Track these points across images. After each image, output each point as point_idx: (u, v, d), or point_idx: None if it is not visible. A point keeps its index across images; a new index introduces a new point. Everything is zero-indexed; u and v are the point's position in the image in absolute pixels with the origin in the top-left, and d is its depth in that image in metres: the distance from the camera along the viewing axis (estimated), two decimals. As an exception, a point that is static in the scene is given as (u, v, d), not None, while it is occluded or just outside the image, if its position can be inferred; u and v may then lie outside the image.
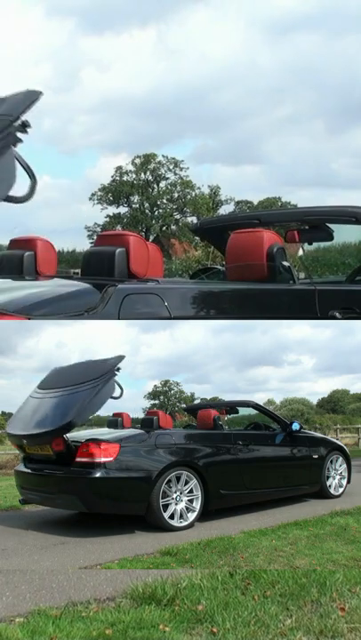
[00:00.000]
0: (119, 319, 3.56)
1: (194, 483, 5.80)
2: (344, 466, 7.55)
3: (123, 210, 49.70)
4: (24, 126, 3.44)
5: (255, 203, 49.59)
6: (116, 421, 6.96)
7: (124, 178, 49.66)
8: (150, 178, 49.36)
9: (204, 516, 5.86)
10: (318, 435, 8.49)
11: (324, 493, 7.18)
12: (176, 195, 48.83)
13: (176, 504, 5.65)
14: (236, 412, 7.51)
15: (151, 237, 45.74)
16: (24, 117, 3.46)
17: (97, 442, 5.52)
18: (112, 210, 49.88)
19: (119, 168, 49.77)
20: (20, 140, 3.46)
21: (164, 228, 48.36)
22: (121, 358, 5.90)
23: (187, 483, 5.77)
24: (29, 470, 6.13)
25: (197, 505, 5.77)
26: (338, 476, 7.44)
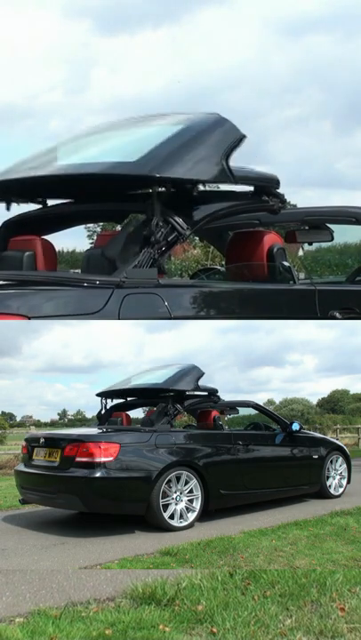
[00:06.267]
0: (119, 319, 3.56)
1: (194, 483, 5.80)
2: (344, 466, 7.55)
3: (123, 210, 49.50)
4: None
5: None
6: (115, 422, 6.96)
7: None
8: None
9: (204, 515, 5.87)
10: (318, 435, 8.49)
11: (324, 493, 7.18)
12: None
13: (176, 504, 5.65)
14: (237, 412, 7.51)
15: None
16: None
17: (97, 442, 5.52)
18: (112, 210, 49.64)
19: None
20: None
21: (164, 227, 48.14)
22: None
23: (187, 483, 5.77)
24: (29, 470, 6.13)
25: (197, 505, 5.77)
26: (338, 476, 7.44)
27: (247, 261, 4.60)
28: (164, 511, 5.54)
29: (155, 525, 5.52)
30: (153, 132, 4.25)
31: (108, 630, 3.12)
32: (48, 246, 4.26)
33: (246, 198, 4.51)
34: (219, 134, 4.04)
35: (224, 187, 4.44)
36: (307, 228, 5.29)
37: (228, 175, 3.99)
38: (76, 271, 4.77)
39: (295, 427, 7.13)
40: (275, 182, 4.51)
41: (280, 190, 4.56)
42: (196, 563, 4.40)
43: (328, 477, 7.30)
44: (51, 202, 4.69)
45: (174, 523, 5.57)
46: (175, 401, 6.37)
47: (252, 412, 8.01)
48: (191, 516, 5.71)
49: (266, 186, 4.48)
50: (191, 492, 5.78)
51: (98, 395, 7.21)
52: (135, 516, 5.60)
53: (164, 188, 3.97)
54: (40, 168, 4.28)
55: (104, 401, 7.19)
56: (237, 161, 4.33)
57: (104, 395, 7.20)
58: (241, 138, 4.10)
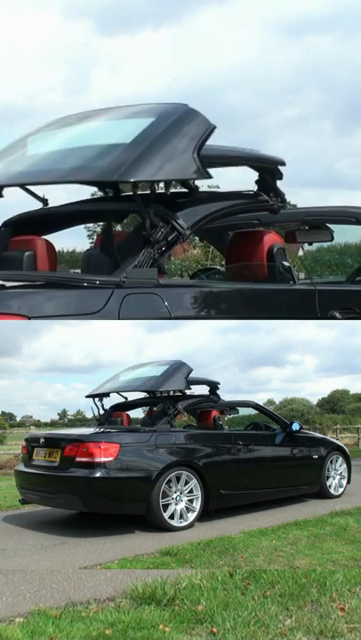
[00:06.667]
0: (119, 319, 3.56)
1: (194, 483, 5.80)
2: (344, 466, 7.55)
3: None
4: None
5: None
6: (115, 422, 6.96)
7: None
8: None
9: (204, 515, 5.86)
10: (318, 435, 8.49)
11: (324, 493, 7.18)
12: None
13: (176, 504, 5.64)
14: (236, 412, 7.52)
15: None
16: None
17: (97, 442, 5.52)
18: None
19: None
20: None
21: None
22: None
23: (187, 483, 5.77)
24: (29, 470, 6.13)
25: (197, 505, 5.77)
26: (338, 476, 7.44)
27: (247, 261, 4.60)
28: (164, 511, 5.54)
29: (155, 525, 5.52)
30: (121, 128, 4.15)
31: (108, 630, 3.12)
32: (48, 246, 4.26)
33: (247, 198, 4.51)
34: (188, 128, 3.92)
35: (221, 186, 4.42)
36: (307, 228, 5.29)
37: (201, 172, 3.90)
38: (76, 271, 4.77)
39: (295, 427, 7.12)
40: (278, 163, 4.46)
41: (281, 188, 4.54)
42: (196, 563, 4.40)
43: (328, 477, 7.30)
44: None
45: (174, 523, 5.57)
46: (175, 401, 6.38)
47: (252, 412, 8.01)
48: (191, 516, 5.71)
49: (268, 167, 4.46)
50: (191, 491, 5.78)
51: (87, 396, 7.19)
52: (135, 516, 5.60)
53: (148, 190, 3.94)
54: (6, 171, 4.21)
55: (98, 402, 7.14)
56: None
57: (93, 396, 7.16)
58: (211, 129, 3.99)
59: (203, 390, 7.14)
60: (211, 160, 4.06)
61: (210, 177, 3.96)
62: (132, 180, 3.70)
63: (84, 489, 5.44)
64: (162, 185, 3.97)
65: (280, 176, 4.51)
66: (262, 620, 3.21)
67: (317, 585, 3.68)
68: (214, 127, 3.99)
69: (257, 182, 4.53)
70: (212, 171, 3.99)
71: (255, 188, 4.58)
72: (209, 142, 4.01)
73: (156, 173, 3.75)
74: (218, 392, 6.98)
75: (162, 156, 3.77)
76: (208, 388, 7.03)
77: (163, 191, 3.98)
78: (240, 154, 4.42)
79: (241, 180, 4.55)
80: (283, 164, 4.50)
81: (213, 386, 7.02)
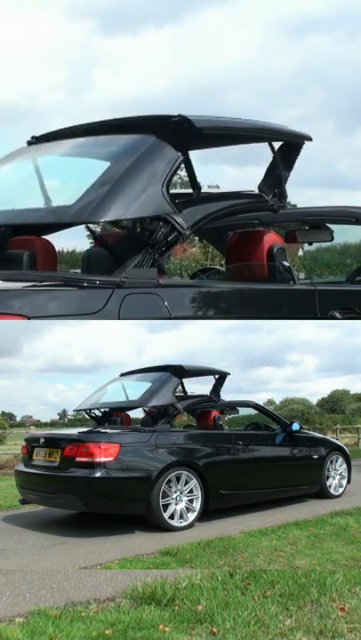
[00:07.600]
0: (119, 319, 3.56)
1: (194, 483, 5.80)
2: (344, 466, 7.55)
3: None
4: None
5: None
6: (115, 421, 6.96)
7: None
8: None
9: (204, 515, 5.87)
10: (318, 435, 8.49)
11: (324, 493, 7.18)
12: (176, 195, 48.63)
13: (176, 504, 5.64)
14: (236, 411, 7.52)
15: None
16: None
17: (97, 442, 5.52)
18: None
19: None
20: None
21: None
22: None
23: (187, 483, 5.77)
24: (29, 470, 6.13)
25: (197, 505, 5.77)
26: (338, 476, 7.44)
27: (247, 261, 4.61)
28: (164, 511, 5.54)
29: (155, 525, 5.52)
30: (87, 164, 4.12)
31: (108, 630, 3.12)
32: (48, 246, 4.26)
33: (247, 198, 4.51)
34: (157, 162, 3.84)
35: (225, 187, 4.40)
36: (307, 228, 5.28)
37: (170, 207, 3.80)
38: (76, 271, 4.77)
39: (295, 427, 7.13)
40: (305, 138, 4.48)
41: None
42: (196, 563, 4.40)
43: (328, 477, 7.30)
44: None
45: (174, 523, 5.57)
46: (175, 400, 6.37)
47: (252, 412, 8.01)
48: (191, 516, 5.71)
49: (293, 142, 4.48)
50: (191, 491, 5.78)
51: (75, 410, 7.17)
52: (135, 516, 5.60)
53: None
54: None
55: (88, 413, 7.10)
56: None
57: (83, 410, 7.12)
58: (181, 161, 3.92)
59: (203, 390, 7.15)
60: (227, 133, 4.03)
61: (178, 212, 3.85)
62: (102, 220, 3.66)
63: (84, 489, 5.44)
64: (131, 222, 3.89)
65: (292, 163, 4.48)
66: (262, 620, 3.21)
67: (317, 585, 3.68)
68: (183, 158, 3.95)
69: (271, 165, 4.46)
70: (216, 150, 3.96)
71: (262, 178, 4.55)
72: (221, 114, 4.01)
73: (125, 212, 3.68)
74: (225, 384, 6.98)
75: (130, 194, 3.70)
76: (213, 383, 7.03)
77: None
78: (260, 126, 4.37)
79: (241, 179, 4.53)
80: (309, 138, 4.48)
81: (223, 376, 7.03)
